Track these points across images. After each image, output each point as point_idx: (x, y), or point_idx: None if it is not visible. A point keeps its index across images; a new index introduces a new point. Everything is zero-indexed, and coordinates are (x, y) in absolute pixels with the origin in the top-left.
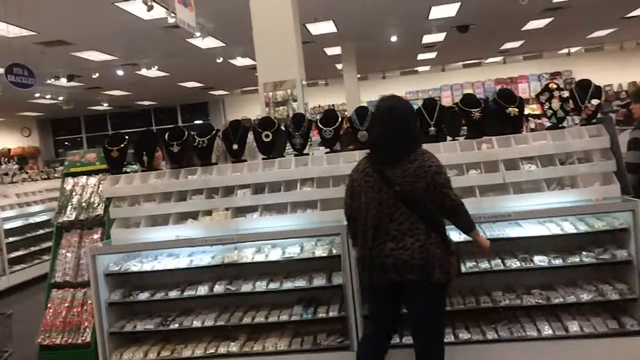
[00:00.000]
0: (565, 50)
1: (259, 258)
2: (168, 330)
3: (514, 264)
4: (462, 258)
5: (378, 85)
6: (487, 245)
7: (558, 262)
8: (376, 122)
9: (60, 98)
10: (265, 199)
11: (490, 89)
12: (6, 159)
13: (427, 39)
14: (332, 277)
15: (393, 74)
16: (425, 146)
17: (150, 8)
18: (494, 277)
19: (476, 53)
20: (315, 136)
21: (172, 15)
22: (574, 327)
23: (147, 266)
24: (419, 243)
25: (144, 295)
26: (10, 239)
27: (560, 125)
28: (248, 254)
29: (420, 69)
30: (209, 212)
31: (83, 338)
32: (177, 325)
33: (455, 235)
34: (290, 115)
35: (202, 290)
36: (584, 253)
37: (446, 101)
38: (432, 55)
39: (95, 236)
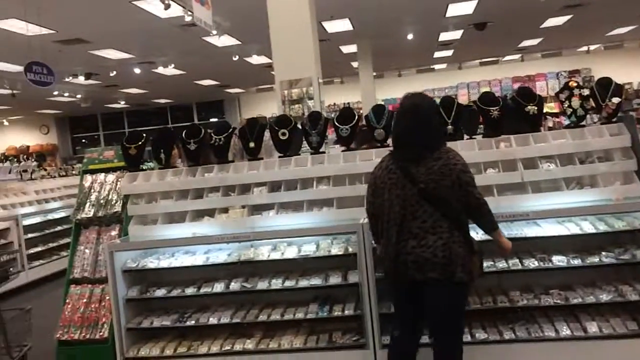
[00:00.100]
0: (585, 48)
1: (275, 256)
2: (184, 327)
3: (532, 263)
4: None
5: (394, 84)
6: (509, 247)
7: (577, 262)
8: (400, 120)
9: (78, 96)
10: (281, 197)
11: (508, 87)
12: (25, 156)
13: (444, 36)
14: (348, 275)
15: (409, 72)
16: None
17: (167, 6)
18: (512, 276)
19: (493, 51)
20: (330, 134)
21: (189, 13)
22: (592, 328)
23: (164, 263)
24: (441, 241)
25: (160, 292)
26: (29, 235)
27: (580, 124)
28: (264, 252)
29: (436, 67)
30: (225, 210)
31: (101, 333)
32: (193, 322)
33: (474, 234)
34: (306, 114)
35: (219, 287)
36: (603, 253)
37: (463, 99)
38: (448, 53)
39: (113, 233)
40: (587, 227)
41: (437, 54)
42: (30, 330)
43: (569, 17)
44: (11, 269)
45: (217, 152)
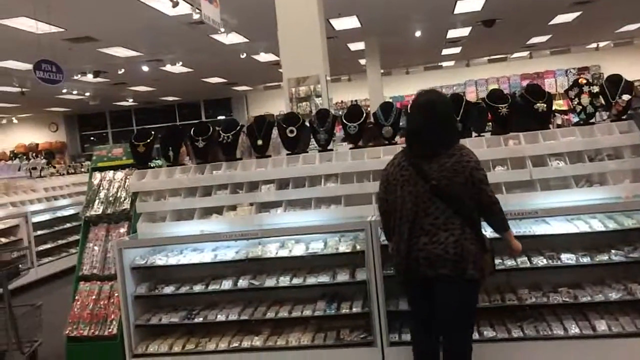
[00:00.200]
0: (594, 45)
1: (283, 253)
2: (193, 324)
3: (540, 261)
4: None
5: (401, 81)
6: (519, 248)
7: (586, 260)
8: (414, 116)
9: (87, 94)
10: (289, 195)
11: (516, 84)
12: (34, 154)
13: (452, 33)
14: (356, 272)
15: (417, 70)
16: None
17: (175, 4)
18: (520, 274)
19: (502, 48)
20: (338, 132)
21: (197, 11)
22: (601, 326)
23: (173, 260)
24: (453, 238)
25: (169, 289)
26: (39, 232)
27: (589, 121)
28: (272, 249)
29: (444, 64)
30: (233, 207)
31: (110, 330)
32: (201, 319)
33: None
34: (313, 111)
35: (226, 284)
36: (612, 251)
37: (471, 97)
38: (456, 50)
39: (122, 230)
40: (597, 225)
41: (445, 51)
42: (40, 326)
43: (578, 13)
44: (21, 265)
45: (225, 150)
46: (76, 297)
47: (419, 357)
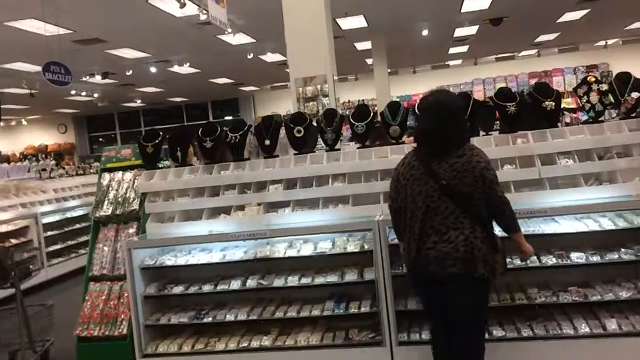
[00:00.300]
0: (602, 43)
1: (291, 253)
2: (202, 324)
3: (550, 260)
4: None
5: (409, 80)
6: (530, 251)
7: (596, 259)
8: (424, 116)
9: (95, 95)
10: (297, 194)
11: (524, 82)
12: (43, 155)
13: (459, 32)
14: (364, 272)
15: (424, 69)
16: None
17: (182, 5)
18: (530, 273)
19: (509, 46)
20: (345, 132)
21: (205, 12)
22: (612, 325)
23: (181, 260)
24: (463, 236)
25: (178, 289)
26: (49, 233)
27: (598, 119)
28: (280, 249)
29: (451, 63)
30: (241, 207)
31: (120, 330)
32: (210, 318)
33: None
34: (320, 111)
35: (235, 284)
36: (622, 250)
37: (478, 95)
38: (464, 49)
39: (131, 230)
40: (606, 223)
41: (452, 50)
42: (52, 325)
43: (586, 11)
44: (31, 266)
45: (233, 150)
46: (86, 298)
47: (438, 356)
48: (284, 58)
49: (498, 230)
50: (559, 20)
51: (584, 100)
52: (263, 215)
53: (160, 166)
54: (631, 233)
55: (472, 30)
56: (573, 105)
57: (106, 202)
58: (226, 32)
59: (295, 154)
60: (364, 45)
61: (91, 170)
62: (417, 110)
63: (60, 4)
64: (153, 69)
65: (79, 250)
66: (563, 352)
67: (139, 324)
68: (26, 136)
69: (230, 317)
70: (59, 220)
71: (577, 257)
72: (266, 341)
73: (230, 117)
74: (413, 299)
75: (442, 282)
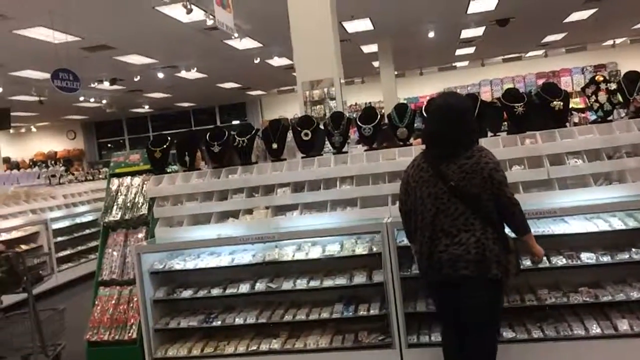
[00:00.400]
0: (610, 42)
1: (300, 256)
2: (211, 327)
3: (560, 261)
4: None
5: (415, 82)
6: (541, 254)
7: (606, 259)
8: (431, 119)
9: (104, 101)
10: (305, 197)
11: (532, 83)
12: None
13: (466, 33)
14: (373, 275)
15: (431, 70)
16: None
17: (189, 11)
18: (540, 274)
19: (516, 47)
20: (352, 134)
21: (211, 17)
22: (623, 326)
23: (190, 264)
24: (474, 238)
25: (187, 293)
26: (58, 239)
27: (607, 119)
28: (288, 252)
29: (458, 64)
30: (249, 211)
31: (129, 334)
32: (219, 322)
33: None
34: (327, 114)
35: (244, 288)
36: (633, 250)
37: (485, 96)
38: (470, 50)
39: (140, 235)
40: (616, 223)
41: (459, 52)
42: (64, 329)
43: (593, 10)
44: (41, 271)
45: (241, 154)
46: (96, 302)
47: (449, 352)
48: (291, 62)
49: (509, 231)
50: (565, 20)
51: (593, 100)
52: (271, 219)
53: (168, 171)
54: None
55: (478, 31)
56: (581, 105)
57: (115, 207)
58: (233, 37)
59: (302, 157)
60: (370, 48)
61: (100, 176)
62: (424, 113)
63: (68, 12)
64: (160, 75)
65: (89, 256)
66: (574, 353)
67: (149, 328)
68: (36, 143)
69: (239, 321)
70: (68, 226)
71: (587, 257)
72: (275, 344)
73: (237, 122)
74: (422, 301)
75: (455, 285)
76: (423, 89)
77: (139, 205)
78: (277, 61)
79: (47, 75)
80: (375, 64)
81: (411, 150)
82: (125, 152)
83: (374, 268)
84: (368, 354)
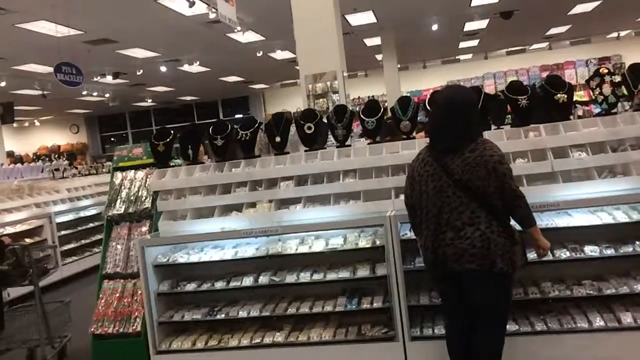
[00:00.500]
0: (615, 34)
1: (303, 249)
2: (215, 320)
3: (563, 254)
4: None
5: (419, 75)
6: (546, 246)
7: (610, 252)
8: (435, 113)
9: (107, 95)
10: (308, 191)
11: (536, 76)
12: (56, 155)
13: (469, 26)
14: (376, 268)
15: (434, 63)
16: None
17: (192, 4)
18: (543, 267)
19: (520, 39)
20: (355, 128)
21: (214, 10)
22: (627, 319)
23: (194, 258)
24: (479, 232)
25: (191, 286)
26: (62, 232)
27: (611, 111)
28: (292, 246)
29: (462, 57)
30: (252, 204)
31: (134, 327)
32: (223, 315)
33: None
34: (330, 108)
35: (247, 281)
36: (637, 242)
37: (489, 90)
38: (474, 43)
39: (144, 228)
40: (620, 216)
41: (462, 44)
42: (70, 321)
43: (598, 2)
44: (47, 264)
45: (244, 148)
46: (100, 296)
47: (454, 355)
48: (294, 55)
49: (514, 223)
50: (570, 13)
51: (597, 93)
52: (274, 212)
53: (171, 164)
54: None
55: (482, 24)
56: (585, 98)
57: (119, 200)
58: (235, 30)
59: (306, 151)
60: (373, 41)
61: (103, 170)
62: (427, 106)
63: (71, 6)
64: (163, 68)
65: (93, 249)
66: (577, 346)
67: (153, 321)
68: (39, 137)
69: (243, 314)
70: (72, 220)
71: (591, 250)
72: (279, 337)
73: (240, 115)
74: (425, 294)
75: (461, 278)
76: (426, 82)
77: (143, 199)
78: (279, 54)
79: (50, 69)
80: (379, 57)
81: (414, 144)
82: (128, 145)
83: (377, 261)
84: (371, 347)
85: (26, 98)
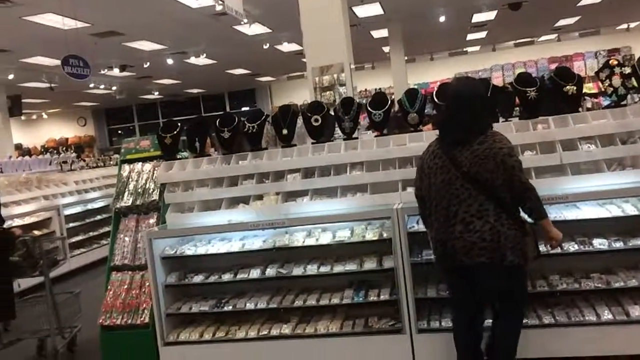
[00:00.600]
0: (624, 26)
1: (310, 242)
2: (222, 312)
3: (572, 247)
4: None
5: (426, 68)
6: (559, 237)
7: (619, 245)
8: (445, 104)
9: (114, 88)
10: (315, 183)
11: (544, 68)
12: (64, 148)
13: (477, 17)
14: (383, 260)
15: (441, 56)
16: None
17: None
18: (551, 260)
19: (529, 31)
20: (362, 120)
21: (220, 2)
22: (635, 312)
23: (201, 250)
24: (488, 225)
25: (198, 278)
26: (71, 225)
27: (621, 103)
28: (299, 238)
29: (469, 49)
30: (260, 197)
31: (142, 319)
32: (230, 307)
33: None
34: (337, 100)
35: (255, 273)
36: None
37: (497, 82)
38: (482, 34)
39: (152, 221)
40: (630, 209)
41: (470, 36)
42: (80, 312)
43: None
44: (56, 256)
45: (251, 140)
46: (109, 287)
47: (461, 347)
48: (300, 47)
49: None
50: (579, 4)
51: (607, 84)
52: (281, 205)
53: (178, 157)
54: None
55: (490, 15)
56: (594, 90)
57: (126, 193)
58: (242, 23)
59: (313, 143)
60: (380, 33)
61: (111, 162)
62: (435, 98)
63: None
64: (170, 61)
65: (101, 241)
66: (585, 339)
67: (161, 313)
68: (47, 129)
69: (250, 306)
70: (80, 212)
71: (599, 243)
72: (286, 329)
73: (247, 108)
74: (433, 286)
75: (472, 271)
76: (434, 74)
77: (150, 191)
78: (286, 47)
79: (58, 62)
80: (386, 49)
81: (422, 136)
82: (135, 138)
83: (384, 254)
84: (378, 339)
85: (34, 91)
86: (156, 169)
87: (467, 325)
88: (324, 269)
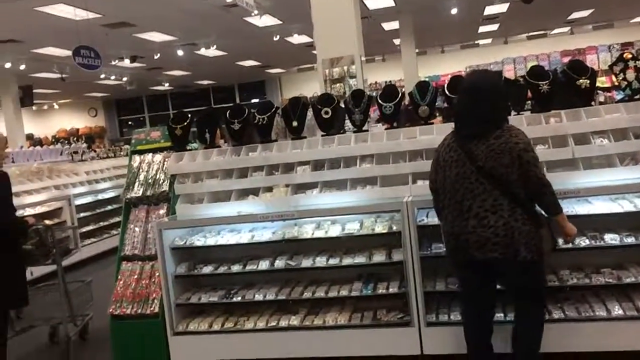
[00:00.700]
0: (638, 19)
1: (319, 234)
2: (231, 303)
3: (583, 242)
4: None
5: (437, 60)
6: (573, 233)
7: (631, 240)
8: (460, 98)
9: (124, 79)
10: (324, 176)
11: (557, 61)
12: (75, 139)
13: (490, 10)
14: (392, 253)
15: (453, 48)
16: None
17: None
18: (562, 255)
19: (541, 24)
20: (372, 113)
21: None
22: None
23: (211, 241)
24: (502, 220)
25: (208, 269)
26: (81, 215)
27: (635, 97)
28: (308, 230)
29: (481, 42)
30: (269, 189)
31: (152, 309)
32: (239, 298)
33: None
34: (347, 92)
35: (264, 264)
36: None
37: (509, 75)
38: (494, 27)
39: (162, 211)
40: None
41: (482, 29)
42: (91, 300)
43: None
44: (67, 245)
45: (261, 132)
46: (119, 277)
47: (471, 341)
48: (311, 39)
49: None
50: None
51: (620, 78)
52: (291, 197)
53: (189, 148)
54: None
55: (502, 7)
56: (607, 84)
57: (137, 183)
58: (252, 14)
59: (322, 136)
60: (391, 25)
61: (121, 153)
62: (446, 91)
63: None
64: (180, 52)
65: (111, 231)
66: (595, 335)
67: (170, 303)
68: (58, 120)
69: (259, 297)
70: (91, 202)
71: (611, 238)
72: (294, 321)
73: (257, 100)
74: (442, 280)
75: (483, 266)
76: (445, 67)
77: (160, 182)
78: (296, 39)
79: (69, 53)
80: (396, 41)
81: (432, 129)
82: (146, 129)
83: (393, 247)
84: (387, 332)
85: (45, 81)
86: (166, 160)
87: (477, 319)
88: (333, 261)
